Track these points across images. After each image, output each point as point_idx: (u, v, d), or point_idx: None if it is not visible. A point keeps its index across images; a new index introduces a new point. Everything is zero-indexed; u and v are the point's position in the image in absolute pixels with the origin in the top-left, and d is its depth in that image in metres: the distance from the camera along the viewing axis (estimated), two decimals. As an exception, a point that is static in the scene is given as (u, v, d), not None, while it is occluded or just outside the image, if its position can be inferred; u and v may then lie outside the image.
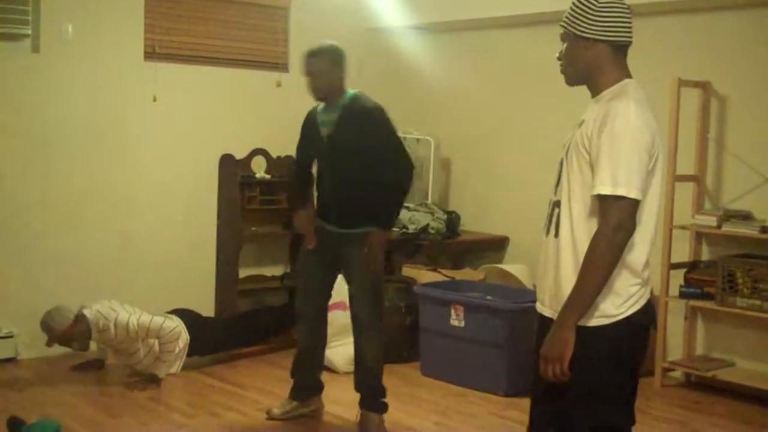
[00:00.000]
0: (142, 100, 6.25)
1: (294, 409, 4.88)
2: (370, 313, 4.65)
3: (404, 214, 6.62)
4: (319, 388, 4.97)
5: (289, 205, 4.88)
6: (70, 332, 5.38)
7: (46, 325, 5.39)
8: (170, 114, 6.42)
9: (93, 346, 5.70)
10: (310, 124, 4.75)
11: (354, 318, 4.72)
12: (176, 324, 5.53)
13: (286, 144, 6.82)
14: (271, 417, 4.87)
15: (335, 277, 4.88)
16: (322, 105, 4.70)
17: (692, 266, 5.63)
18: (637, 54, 2.79)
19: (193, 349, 5.72)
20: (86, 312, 5.41)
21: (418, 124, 7.13)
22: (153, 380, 5.40)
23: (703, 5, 5.57)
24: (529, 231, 6.48)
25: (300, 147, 4.89)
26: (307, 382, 4.93)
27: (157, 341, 5.44)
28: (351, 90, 4.66)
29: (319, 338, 4.91)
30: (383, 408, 4.71)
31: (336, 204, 4.61)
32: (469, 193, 7.14)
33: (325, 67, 4.56)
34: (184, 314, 5.80)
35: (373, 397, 4.70)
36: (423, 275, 6.26)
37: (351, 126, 4.56)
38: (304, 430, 4.80)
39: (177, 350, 5.53)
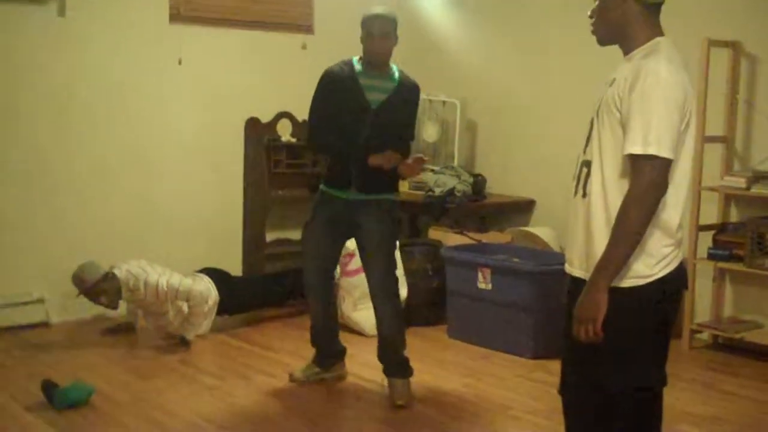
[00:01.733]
0: (167, 63, 6.25)
1: (316, 375, 4.91)
2: (383, 285, 4.66)
3: (430, 177, 6.63)
4: (341, 354, 4.99)
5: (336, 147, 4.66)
6: (100, 286, 5.43)
7: (78, 277, 5.44)
8: (195, 77, 6.42)
9: (123, 308, 5.77)
10: (346, 86, 4.51)
11: (369, 289, 4.74)
12: (205, 286, 5.57)
13: (311, 107, 6.83)
14: (293, 380, 4.91)
15: (343, 246, 4.90)
16: (359, 68, 4.54)
17: (721, 228, 5.60)
18: (665, 14, 2.76)
19: (222, 308, 5.77)
20: (117, 272, 5.46)
21: (444, 87, 7.10)
22: (183, 343, 5.45)
23: (734, -37, 5.50)
24: (555, 193, 6.48)
25: (327, 109, 4.55)
26: (328, 350, 4.95)
27: (186, 303, 5.49)
28: (392, 64, 4.64)
29: (330, 306, 4.92)
30: (408, 373, 4.71)
31: (361, 170, 4.52)
32: (495, 155, 7.11)
33: (394, 31, 4.54)
34: (213, 273, 5.85)
35: (397, 362, 4.71)
36: (449, 238, 6.25)
37: (403, 99, 4.58)
38: (330, 392, 4.83)
39: (206, 311, 5.57)
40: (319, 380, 4.91)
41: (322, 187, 4.71)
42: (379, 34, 4.46)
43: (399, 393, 4.63)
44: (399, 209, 4.80)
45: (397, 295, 4.78)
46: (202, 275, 5.76)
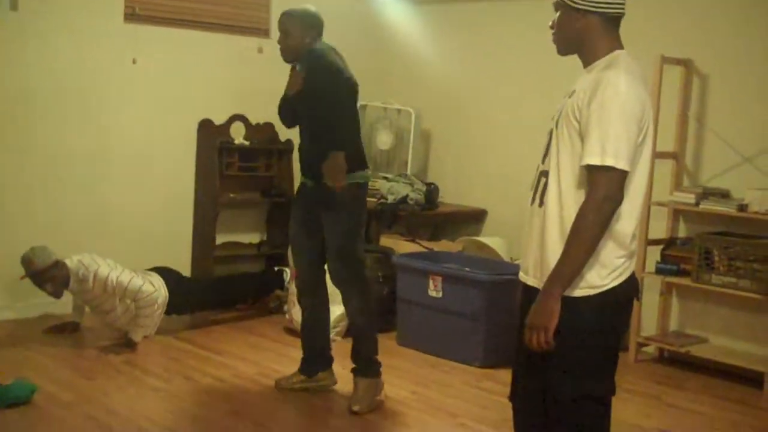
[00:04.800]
0: (121, 62, 6.18)
1: (299, 382, 4.83)
2: (343, 275, 4.59)
3: (383, 185, 6.63)
4: (327, 362, 4.89)
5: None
6: (49, 272, 5.35)
7: (27, 259, 5.35)
8: (149, 77, 6.35)
9: (69, 307, 5.68)
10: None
11: (333, 279, 4.65)
12: (154, 289, 5.49)
13: (265, 111, 6.76)
14: (278, 387, 4.83)
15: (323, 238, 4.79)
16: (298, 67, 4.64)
17: (669, 243, 5.67)
18: (620, 30, 2.79)
19: (171, 308, 5.71)
20: (67, 261, 5.39)
21: (399, 95, 7.12)
22: (128, 344, 5.38)
23: (688, -18, 5.58)
24: (507, 204, 6.53)
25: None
26: (313, 352, 4.84)
27: (133, 303, 5.42)
28: (316, 47, 4.57)
29: (319, 304, 4.80)
30: (372, 372, 4.64)
31: (307, 158, 4.63)
32: (448, 165, 7.14)
33: (296, 28, 4.55)
34: (164, 272, 5.80)
35: (360, 360, 4.65)
36: (401, 246, 6.26)
37: (309, 82, 4.53)
38: (280, 396, 4.78)
39: (153, 313, 5.50)
40: (302, 389, 4.82)
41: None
42: (279, 30, 4.61)
43: (357, 398, 4.58)
44: (357, 190, 4.57)
45: (361, 282, 4.63)
46: (153, 273, 5.70)
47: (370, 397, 4.60)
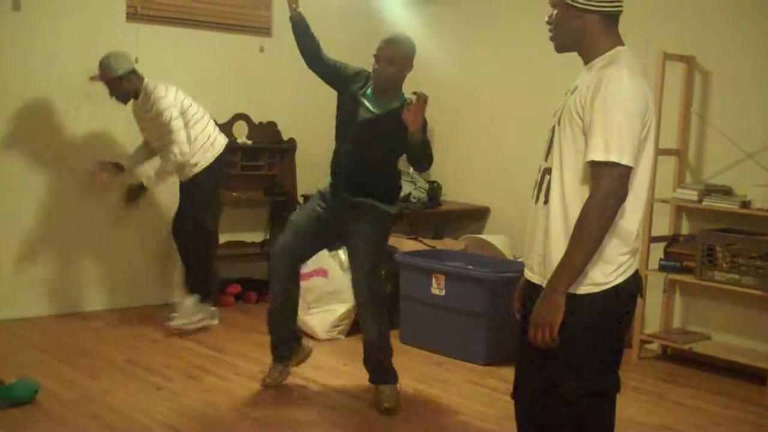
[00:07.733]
0: (123, 62, 6.17)
1: (281, 374, 4.87)
2: (368, 291, 4.60)
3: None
4: (297, 339, 4.91)
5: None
6: (125, 79, 5.53)
7: (107, 63, 5.50)
8: (151, 76, 6.29)
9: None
10: (352, 89, 4.51)
11: (355, 296, 4.70)
12: (185, 152, 5.56)
13: (268, 109, 6.82)
14: (265, 385, 4.85)
15: (322, 248, 4.86)
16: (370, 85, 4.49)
17: (672, 240, 5.67)
18: (622, 26, 2.78)
19: None
20: (146, 79, 5.59)
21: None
22: (140, 188, 5.62)
23: (691, -21, 5.57)
24: (510, 202, 6.53)
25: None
26: (285, 335, 4.84)
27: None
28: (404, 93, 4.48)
29: (294, 296, 4.78)
30: (391, 379, 4.69)
31: (358, 177, 4.52)
32: (451, 163, 7.13)
33: (402, 59, 4.41)
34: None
35: (379, 371, 4.70)
36: (404, 244, 6.25)
37: (394, 125, 4.31)
38: (281, 395, 4.79)
39: (171, 173, 5.63)
40: (287, 375, 4.88)
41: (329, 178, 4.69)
42: (384, 59, 4.38)
43: (386, 397, 4.62)
44: (390, 222, 4.67)
45: (379, 303, 4.66)
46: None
47: (396, 395, 4.66)
